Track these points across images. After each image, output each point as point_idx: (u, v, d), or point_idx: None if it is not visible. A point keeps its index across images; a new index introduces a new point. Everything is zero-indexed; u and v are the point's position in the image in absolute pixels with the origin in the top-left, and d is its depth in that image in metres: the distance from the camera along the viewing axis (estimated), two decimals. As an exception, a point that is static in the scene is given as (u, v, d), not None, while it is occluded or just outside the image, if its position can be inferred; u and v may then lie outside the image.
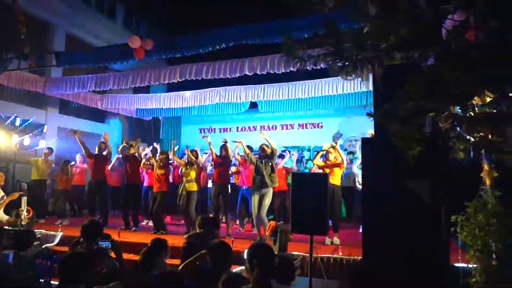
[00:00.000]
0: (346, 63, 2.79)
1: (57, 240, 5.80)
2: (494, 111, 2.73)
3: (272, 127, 10.89)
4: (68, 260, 2.19)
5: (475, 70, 2.48)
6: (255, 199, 5.63)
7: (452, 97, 2.50)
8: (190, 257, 2.66)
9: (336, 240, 5.29)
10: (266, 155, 5.67)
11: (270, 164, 5.62)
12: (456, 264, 3.29)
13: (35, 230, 4.92)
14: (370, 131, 5.28)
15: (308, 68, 3.56)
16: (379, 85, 2.85)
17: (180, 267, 2.65)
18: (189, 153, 6.58)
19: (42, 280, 3.06)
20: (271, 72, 6.09)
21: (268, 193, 5.60)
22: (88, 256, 2.26)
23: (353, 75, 3.29)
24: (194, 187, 6.40)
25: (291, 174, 5.91)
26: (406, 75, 2.55)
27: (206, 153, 8.16)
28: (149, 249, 2.91)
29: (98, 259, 2.47)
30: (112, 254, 2.88)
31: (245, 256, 2.46)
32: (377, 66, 2.81)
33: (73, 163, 8.09)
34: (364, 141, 3.11)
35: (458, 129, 2.82)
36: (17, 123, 7.61)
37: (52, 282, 3.11)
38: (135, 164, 7.00)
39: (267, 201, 5.58)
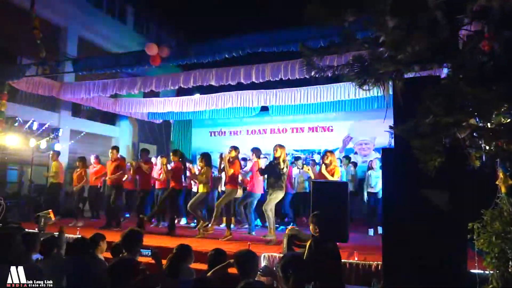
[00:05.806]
0: (368, 76, 2.85)
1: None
2: (509, 120, 2.80)
3: (283, 130, 10.97)
4: (118, 265, 2.27)
5: (492, 86, 2.54)
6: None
7: (471, 111, 2.56)
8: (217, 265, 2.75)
9: None
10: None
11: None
12: (472, 271, 3.35)
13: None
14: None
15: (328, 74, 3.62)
16: (399, 98, 2.91)
17: (208, 274, 2.74)
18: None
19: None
20: (284, 78, 6.16)
21: None
22: (134, 264, 2.35)
23: (369, 85, 3.38)
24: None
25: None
26: (425, 89, 2.62)
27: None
28: (174, 255, 2.99)
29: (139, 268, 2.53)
30: (144, 259, 2.94)
31: (276, 267, 2.54)
32: (397, 79, 2.87)
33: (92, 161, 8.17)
34: (385, 151, 3.19)
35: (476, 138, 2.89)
36: (35, 127, 7.80)
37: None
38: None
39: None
